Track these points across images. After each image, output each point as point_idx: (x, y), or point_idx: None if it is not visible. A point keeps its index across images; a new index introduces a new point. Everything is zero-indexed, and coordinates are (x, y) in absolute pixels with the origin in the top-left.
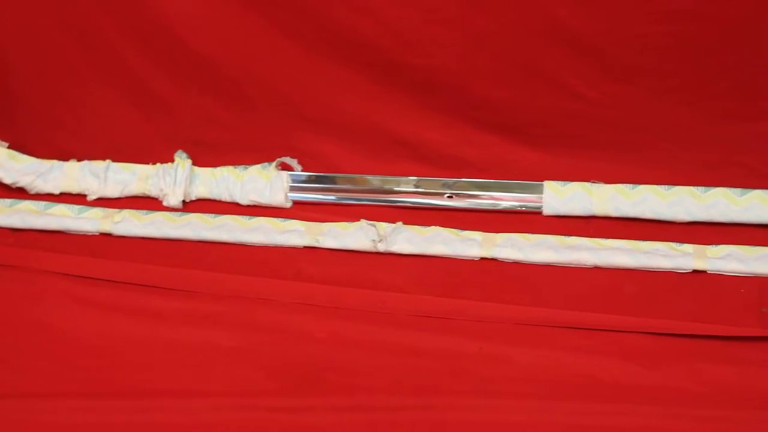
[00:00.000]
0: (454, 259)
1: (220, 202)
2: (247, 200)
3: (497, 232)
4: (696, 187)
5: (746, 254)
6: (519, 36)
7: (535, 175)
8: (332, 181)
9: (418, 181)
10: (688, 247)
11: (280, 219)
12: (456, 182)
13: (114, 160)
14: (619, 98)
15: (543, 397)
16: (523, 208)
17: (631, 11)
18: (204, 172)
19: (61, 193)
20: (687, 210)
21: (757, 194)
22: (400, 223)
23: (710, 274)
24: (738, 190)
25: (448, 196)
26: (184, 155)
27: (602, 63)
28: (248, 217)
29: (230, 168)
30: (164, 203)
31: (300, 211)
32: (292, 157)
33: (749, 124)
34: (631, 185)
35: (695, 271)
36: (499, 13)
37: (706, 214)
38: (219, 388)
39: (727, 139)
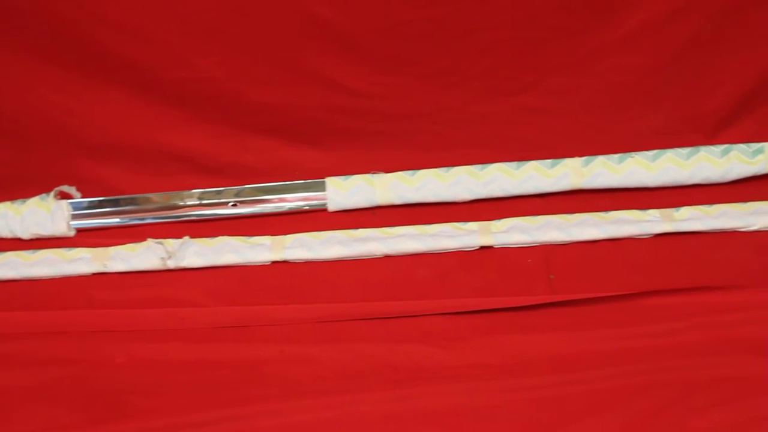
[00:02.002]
0: (246, 266)
1: (0, 239)
2: (28, 234)
3: (286, 234)
4: (473, 166)
5: (529, 225)
6: (281, 37)
7: (317, 172)
8: (114, 204)
9: (202, 193)
10: (472, 225)
11: (65, 249)
12: (239, 190)
13: None
14: (388, 88)
15: (351, 391)
16: (308, 207)
17: (389, 1)
18: None
19: None
20: (467, 189)
21: (532, 165)
22: (187, 238)
23: (497, 248)
24: (514, 164)
25: (233, 204)
26: None
27: (367, 55)
28: (32, 251)
29: (7, 204)
30: None
31: (85, 238)
32: (71, 184)
33: (516, 99)
34: (411, 171)
35: (482, 248)
36: (257, 16)
37: (485, 191)
38: (22, 429)
39: (498, 115)
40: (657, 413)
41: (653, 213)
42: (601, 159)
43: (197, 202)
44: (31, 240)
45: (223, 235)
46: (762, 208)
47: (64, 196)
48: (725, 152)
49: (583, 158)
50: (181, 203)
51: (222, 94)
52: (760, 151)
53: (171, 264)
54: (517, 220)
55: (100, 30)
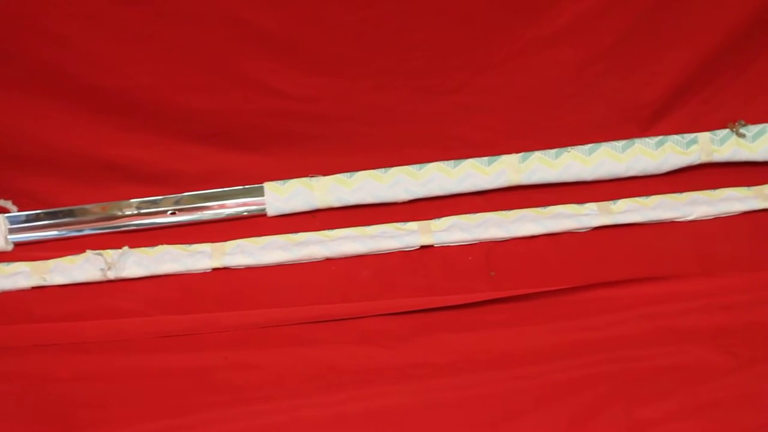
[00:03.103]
0: (187, 274)
1: None
2: None
3: (225, 240)
4: (411, 166)
5: (468, 222)
6: (213, 43)
7: (255, 178)
8: (52, 216)
9: (140, 202)
10: (412, 225)
11: (3, 263)
12: (178, 198)
13: None
14: (321, 90)
15: (297, 395)
16: (247, 213)
17: (322, 3)
18: None
19: None
20: (406, 189)
21: (469, 163)
22: (126, 248)
23: (437, 247)
24: (451, 162)
25: (171, 213)
26: None
27: (301, 58)
28: None
29: None
30: None
31: (24, 252)
32: (6, 198)
33: (451, 97)
34: (349, 173)
35: (423, 247)
36: (189, 22)
37: (424, 190)
38: None
39: (434, 114)
40: (602, 405)
41: (591, 206)
42: (537, 154)
43: (135, 212)
44: None
45: (162, 243)
46: (698, 197)
47: (1, 210)
48: (660, 144)
49: (520, 154)
50: (120, 213)
51: (156, 101)
52: (694, 141)
53: (111, 275)
54: (456, 218)
55: (30, 39)
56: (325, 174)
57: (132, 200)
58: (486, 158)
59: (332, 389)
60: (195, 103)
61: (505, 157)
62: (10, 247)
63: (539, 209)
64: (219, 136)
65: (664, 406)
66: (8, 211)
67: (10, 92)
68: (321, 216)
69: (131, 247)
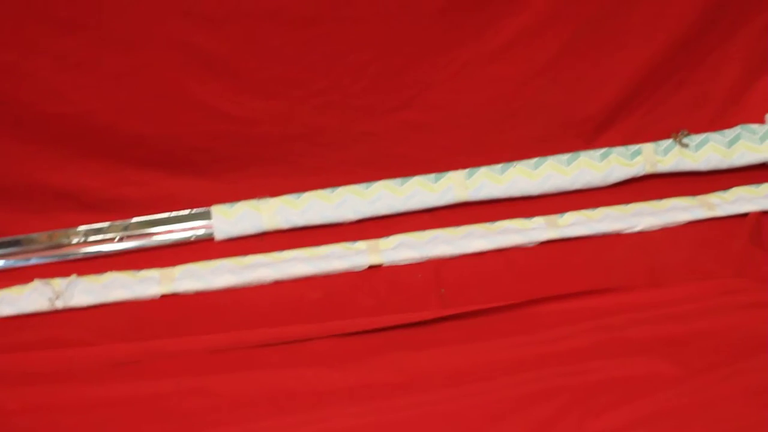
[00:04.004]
0: (136, 301)
1: None
2: None
3: (174, 265)
4: (358, 185)
5: (417, 240)
6: (157, 67)
7: (203, 201)
8: None
9: (87, 230)
10: (361, 245)
11: None
12: (125, 224)
13: None
14: (266, 112)
15: (248, 420)
16: (195, 238)
17: (265, 25)
18: None
19: None
20: (353, 209)
21: (416, 181)
22: (74, 276)
23: (387, 266)
24: (398, 180)
25: (119, 239)
26: None
27: (245, 81)
28: None
29: None
30: None
31: None
32: None
33: (396, 115)
34: (296, 194)
35: (372, 266)
36: (130, 47)
37: (372, 209)
38: None
39: (379, 133)
40: (554, 419)
41: (538, 220)
42: (483, 170)
43: (83, 240)
44: None
45: (110, 270)
46: (644, 208)
47: None
48: (605, 156)
49: (466, 170)
50: (67, 242)
51: (100, 127)
52: (638, 152)
53: (59, 304)
54: (404, 236)
55: None
56: (272, 196)
57: (79, 228)
58: (433, 175)
59: (285, 412)
60: (140, 128)
61: (451, 174)
62: None
63: (487, 225)
64: (165, 160)
65: (617, 417)
66: None
67: None
68: (268, 238)
69: (80, 275)
